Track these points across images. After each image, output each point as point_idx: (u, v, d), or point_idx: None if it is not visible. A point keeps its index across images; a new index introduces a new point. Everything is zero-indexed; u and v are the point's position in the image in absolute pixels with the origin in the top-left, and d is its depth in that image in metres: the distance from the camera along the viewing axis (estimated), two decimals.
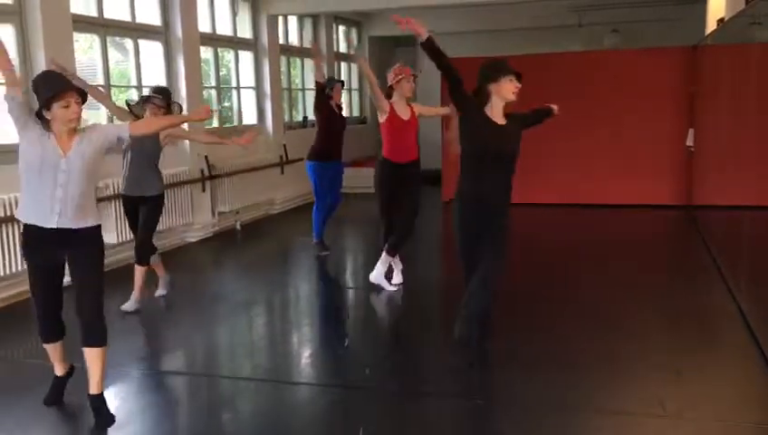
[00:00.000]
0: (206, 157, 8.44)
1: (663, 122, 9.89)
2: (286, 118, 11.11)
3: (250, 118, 10.15)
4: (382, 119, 5.98)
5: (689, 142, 9.60)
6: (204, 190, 8.48)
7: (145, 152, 5.48)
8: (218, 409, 4.06)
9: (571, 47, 11.40)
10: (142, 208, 5.59)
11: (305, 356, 4.94)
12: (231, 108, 10.01)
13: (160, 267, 5.95)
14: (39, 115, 3.60)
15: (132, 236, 5.82)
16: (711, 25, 9.25)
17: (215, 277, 7.20)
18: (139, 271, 5.62)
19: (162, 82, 8.12)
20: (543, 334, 4.98)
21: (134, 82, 7.81)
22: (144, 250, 5.61)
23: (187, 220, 8.18)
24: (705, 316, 5.38)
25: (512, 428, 3.66)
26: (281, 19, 10.73)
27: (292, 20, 11.43)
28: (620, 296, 5.88)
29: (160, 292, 6.01)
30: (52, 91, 3.54)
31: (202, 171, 8.43)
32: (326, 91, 7.26)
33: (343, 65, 13.31)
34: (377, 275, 6.11)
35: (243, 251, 8.27)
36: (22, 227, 3.78)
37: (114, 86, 7.62)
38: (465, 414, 3.82)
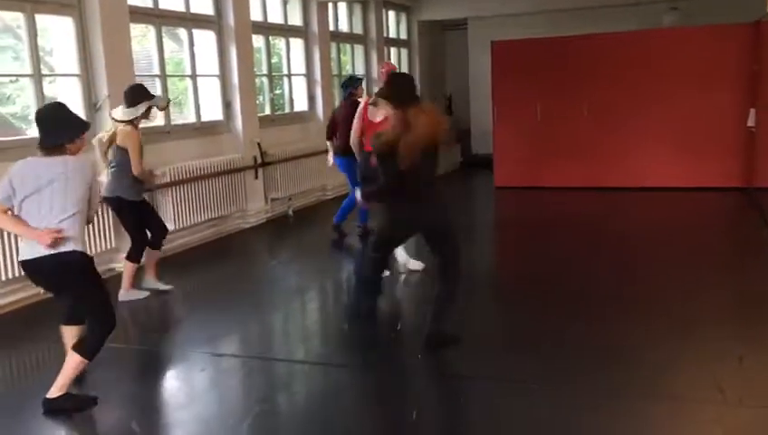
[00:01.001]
0: (258, 144, 8.55)
1: (723, 102, 9.58)
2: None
3: (301, 105, 10.24)
4: None
5: (750, 123, 9.29)
6: (257, 177, 8.60)
7: None
8: (274, 391, 4.15)
9: (628, 26, 11.10)
10: None
11: (357, 340, 4.98)
12: (282, 95, 10.10)
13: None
14: None
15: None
16: None
17: (268, 263, 7.32)
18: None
19: (215, 71, 8.25)
20: (598, 319, 4.92)
21: (188, 72, 7.96)
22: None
23: (240, 207, 8.32)
24: None
25: (566, 412, 3.63)
26: (330, 5, 10.76)
27: (342, 6, 11.44)
28: (680, 281, 5.75)
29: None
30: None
31: (255, 158, 8.54)
32: (349, 90, 7.50)
33: (393, 50, 13.28)
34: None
35: (295, 237, 8.37)
36: None
37: (170, 76, 7.78)
38: (518, 399, 3.80)
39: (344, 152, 7.26)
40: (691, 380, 3.93)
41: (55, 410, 3.80)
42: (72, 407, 3.83)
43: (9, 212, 3.70)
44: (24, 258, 3.75)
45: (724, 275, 5.95)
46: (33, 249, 3.67)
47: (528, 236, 7.90)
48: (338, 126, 7.47)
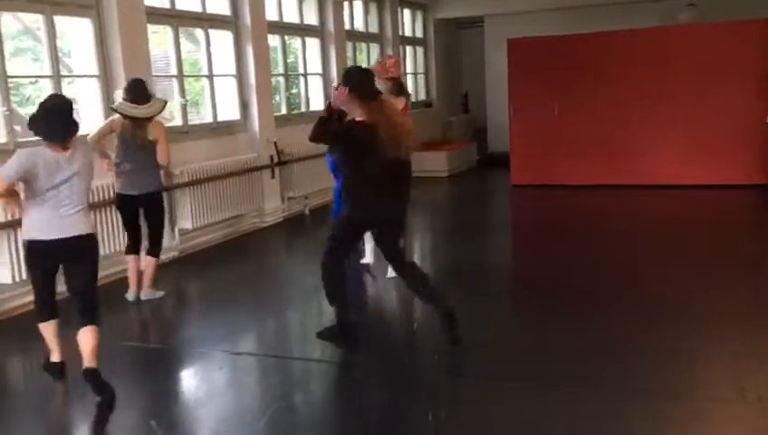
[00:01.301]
0: (275, 143, 8.58)
1: (741, 99, 9.47)
2: None
3: (317, 104, 10.26)
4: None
5: None
6: (273, 177, 8.63)
7: None
8: (291, 389, 4.16)
9: (644, 23, 11.01)
10: None
11: (375, 340, 4.99)
12: (299, 94, 10.13)
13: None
14: None
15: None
16: None
17: (285, 262, 7.35)
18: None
19: (232, 71, 8.29)
20: (618, 319, 4.89)
21: (205, 72, 8.00)
22: None
23: (257, 206, 8.35)
24: None
25: (586, 413, 3.61)
26: (346, 4, 10.77)
27: (358, 5, 11.45)
28: (698, 280, 5.70)
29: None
30: None
31: (271, 157, 8.57)
32: None
33: (408, 49, 13.27)
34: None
35: (312, 236, 8.37)
36: None
37: (187, 76, 7.83)
38: (544, 400, 3.78)
39: None
40: (711, 380, 3.90)
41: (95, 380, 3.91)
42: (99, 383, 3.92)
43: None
44: (50, 238, 3.88)
45: (743, 273, 5.88)
46: (62, 231, 3.88)
47: (545, 234, 7.86)
48: None
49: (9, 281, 5.40)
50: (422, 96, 13.90)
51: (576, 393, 3.80)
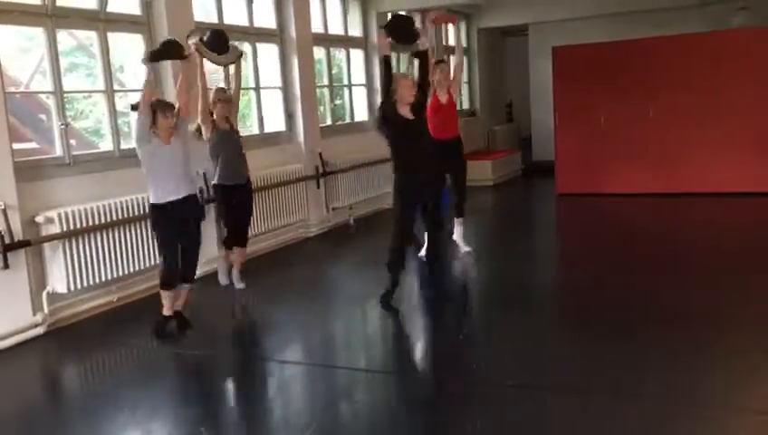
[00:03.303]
0: (320, 154, 8.66)
1: None
2: None
3: (361, 114, 10.33)
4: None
5: None
6: (318, 187, 8.71)
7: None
8: (335, 398, 4.19)
9: (693, 29, 10.80)
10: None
11: (419, 349, 4.99)
12: (343, 105, 10.21)
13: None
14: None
15: None
16: None
17: (330, 271, 7.39)
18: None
19: (278, 83, 8.41)
20: (667, 329, 4.79)
21: (252, 84, 8.13)
22: None
23: (303, 216, 8.44)
24: None
25: (638, 424, 3.54)
26: (390, 16, 10.82)
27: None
28: (755, 291, 5.54)
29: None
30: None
31: (316, 168, 8.65)
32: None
33: (452, 58, 13.24)
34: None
35: (357, 246, 8.43)
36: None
37: None
38: (586, 409, 3.73)
39: None
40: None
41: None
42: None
43: None
44: (175, 198, 4.96)
45: None
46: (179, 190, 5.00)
47: (592, 243, 7.75)
48: None
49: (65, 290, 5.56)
50: (466, 105, 13.87)
51: (621, 404, 3.74)
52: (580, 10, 11.91)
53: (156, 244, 5.35)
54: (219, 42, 5.76)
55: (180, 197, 5.04)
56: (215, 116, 5.95)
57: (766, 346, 4.41)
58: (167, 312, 5.18)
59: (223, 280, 6.41)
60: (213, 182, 6.18)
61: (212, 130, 5.95)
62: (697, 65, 9.57)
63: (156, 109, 4.97)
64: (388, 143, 5.57)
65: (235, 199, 6.14)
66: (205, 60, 5.79)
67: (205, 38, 5.69)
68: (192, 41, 5.60)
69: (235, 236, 6.24)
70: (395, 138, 5.50)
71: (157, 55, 5.33)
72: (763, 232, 7.73)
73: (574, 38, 11.16)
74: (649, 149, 9.90)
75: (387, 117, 5.49)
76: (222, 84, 6.95)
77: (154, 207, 5.05)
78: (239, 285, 6.29)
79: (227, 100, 6.05)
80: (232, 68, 6.31)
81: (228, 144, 6.06)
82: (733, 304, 5.26)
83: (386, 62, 5.55)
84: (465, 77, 13.86)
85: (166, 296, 5.17)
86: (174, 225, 5.04)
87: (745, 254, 6.73)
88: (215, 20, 7.52)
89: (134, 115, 5.12)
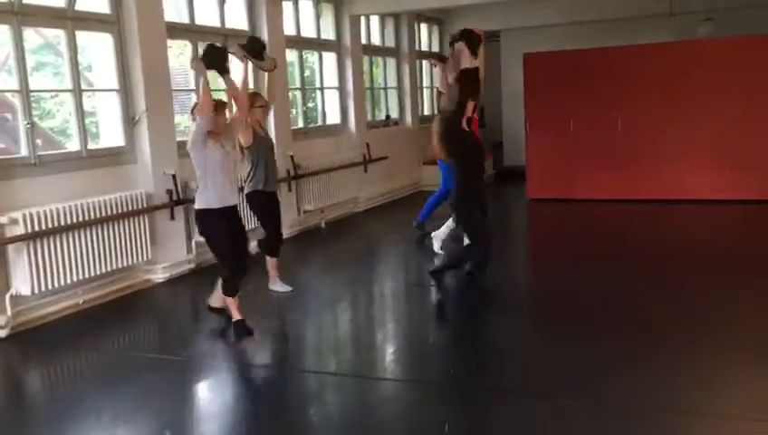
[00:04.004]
0: (291, 156, 8.63)
1: (760, 113, 9.41)
2: (369, 117, 11.21)
3: (334, 118, 10.31)
4: None
5: None
6: (290, 190, 8.67)
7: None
8: (305, 402, 4.16)
9: (661, 38, 10.98)
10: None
11: (390, 353, 4.98)
12: (315, 108, 10.19)
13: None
14: None
15: None
16: None
17: (301, 275, 7.35)
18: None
19: (250, 85, 8.33)
20: (636, 333, 4.84)
21: (223, 86, 8.05)
22: None
23: None
24: None
25: (602, 429, 3.58)
26: (363, 19, 10.84)
27: (374, 20, 11.52)
28: (722, 296, 5.64)
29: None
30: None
31: (288, 171, 8.61)
32: None
33: (425, 63, 13.31)
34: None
35: (328, 249, 8.40)
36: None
37: None
38: (552, 414, 3.75)
39: None
40: (735, 397, 3.85)
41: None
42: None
43: None
44: (230, 203, 4.97)
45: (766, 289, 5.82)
46: (232, 197, 5.01)
47: (562, 247, 7.82)
48: None
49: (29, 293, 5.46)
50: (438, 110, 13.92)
51: (586, 408, 3.77)
52: (552, 17, 12.04)
53: (214, 252, 5.22)
54: (257, 47, 5.66)
55: (230, 205, 4.99)
56: (251, 121, 5.74)
57: (730, 349, 4.49)
58: (239, 316, 5.08)
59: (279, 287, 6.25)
60: (252, 189, 5.89)
61: (252, 135, 5.76)
62: (665, 73, 9.72)
63: (216, 107, 4.91)
64: (454, 156, 5.95)
65: (274, 206, 6.06)
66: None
67: (244, 43, 5.61)
68: (232, 49, 5.52)
69: (277, 241, 6.13)
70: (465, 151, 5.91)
71: (209, 63, 5.08)
72: (731, 237, 7.87)
73: (545, 45, 11.28)
74: (619, 156, 10.03)
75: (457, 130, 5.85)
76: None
77: (207, 211, 4.93)
78: (285, 287, 6.20)
79: (265, 105, 5.93)
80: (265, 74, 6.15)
81: (267, 150, 5.92)
82: (698, 307, 5.34)
83: (472, 75, 5.94)
84: (437, 82, 13.91)
85: (232, 304, 5.09)
86: (227, 229, 4.97)
87: (714, 258, 6.85)
88: (186, 20, 7.45)
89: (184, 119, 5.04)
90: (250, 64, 5.60)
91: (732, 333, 4.76)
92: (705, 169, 9.66)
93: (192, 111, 5.11)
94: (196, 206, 5.03)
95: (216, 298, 5.35)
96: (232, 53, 5.41)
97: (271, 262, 6.19)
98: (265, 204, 5.97)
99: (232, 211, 5.06)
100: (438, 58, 7.14)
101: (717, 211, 9.19)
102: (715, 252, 7.17)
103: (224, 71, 5.05)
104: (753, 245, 7.50)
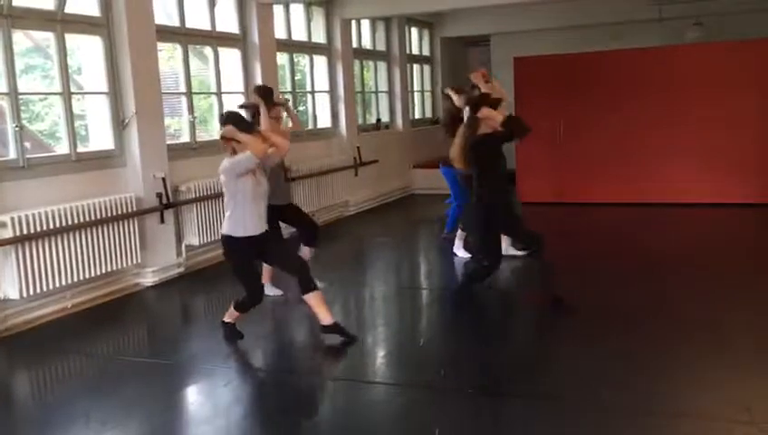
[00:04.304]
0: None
1: (750, 117, 9.48)
2: (360, 120, 11.22)
3: (324, 121, 10.31)
4: None
5: None
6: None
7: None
8: (296, 406, 4.15)
9: (650, 42, 11.05)
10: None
11: (380, 356, 4.98)
12: (306, 112, 10.18)
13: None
14: None
15: None
16: None
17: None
18: None
19: (240, 88, 8.34)
20: (624, 335, 4.87)
21: (213, 89, 8.06)
22: None
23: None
24: None
25: (590, 431, 3.59)
26: (354, 23, 10.85)
27: (365, 23, 11.53)
28: (710, 299, 5.66)
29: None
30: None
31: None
32: None
33: (415, 67, 13.34)
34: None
35: (318, 253, 8.37)
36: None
37: (195, 93, 7.88)
38: (542, 415, 3.77)
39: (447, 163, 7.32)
40: (718, 398, 3.87)
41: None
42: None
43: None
44: (254, 234, 4.84)
45: (756, 293, 5.85)
46: (257, 227, 4.86)
47: (551, 249, 7.83)
48: None
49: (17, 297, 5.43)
50: (428, 114, 13.96)
51: (575, 410, 3.78)
52: (542, 22, 12.10)
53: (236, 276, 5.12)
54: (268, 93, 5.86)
55: (254, 234, 4.88)
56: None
57: (719, 351, 4.51)
58: (230, 320, 5.15)
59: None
60: None
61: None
62: (655, 77, 9.79)
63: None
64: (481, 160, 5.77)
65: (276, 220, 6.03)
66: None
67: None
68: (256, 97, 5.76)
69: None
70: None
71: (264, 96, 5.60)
72: (722, 242, 7.92)
73: (536, 49, 11.32)
74: (608, 160, 10.09)
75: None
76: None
77: (229, 239, 4.87)
78: (276, 291, 6.23)
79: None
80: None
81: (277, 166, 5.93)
82: (689, 311, 5.37)
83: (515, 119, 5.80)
84: (427, 85, 13.97)
85: (233, 312, 5.13)
86: (250, 256, 4.97)
87: (704, 263, 6.88)
88: (176, 23, 7.44)
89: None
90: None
91: (718, 337, 4.79)
92: (694, 172, 9.72)
93: (230, 123, 4.85)
94: (222, 230, 4.97)
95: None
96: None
97: (266, 267, 6.16)
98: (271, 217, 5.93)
99: (257, 240, 4.91)
100: (455, 90, 7.29)
101: (706, 214, 9.24)
102: (704, 254, 7.21)
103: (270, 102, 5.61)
104: (743, 247, 7.55)
